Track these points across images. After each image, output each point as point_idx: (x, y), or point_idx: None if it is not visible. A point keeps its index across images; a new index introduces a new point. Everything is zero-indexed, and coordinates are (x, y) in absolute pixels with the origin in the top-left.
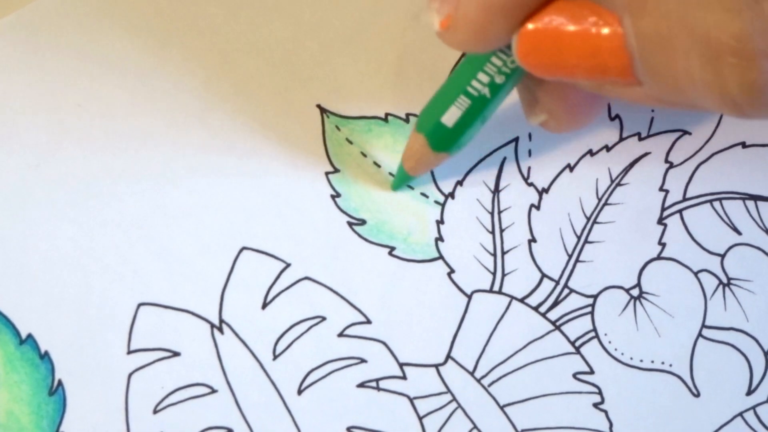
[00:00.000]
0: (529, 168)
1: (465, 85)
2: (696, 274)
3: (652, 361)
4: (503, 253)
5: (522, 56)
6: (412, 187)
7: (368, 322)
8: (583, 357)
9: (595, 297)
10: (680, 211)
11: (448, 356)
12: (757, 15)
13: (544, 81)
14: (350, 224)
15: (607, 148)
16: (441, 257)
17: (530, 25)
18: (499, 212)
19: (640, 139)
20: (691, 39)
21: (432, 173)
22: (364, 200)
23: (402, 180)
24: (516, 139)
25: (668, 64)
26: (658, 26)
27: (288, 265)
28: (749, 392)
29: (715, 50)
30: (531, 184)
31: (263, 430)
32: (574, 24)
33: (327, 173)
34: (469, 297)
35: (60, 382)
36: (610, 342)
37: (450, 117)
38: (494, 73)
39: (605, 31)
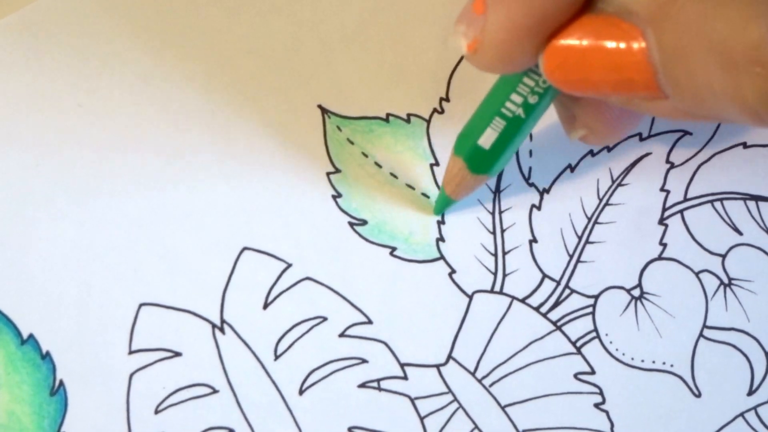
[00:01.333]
0: (530, 168)
1: (499, 107)
2: (697, 274)
3: (653, 362)
4: (504, 253)
5: (549, 74)
6: (412, 188)
7: (369, 322)
8: (584, 357)
9: (596, 297)
10: (681, 212)
11: (449, 356)
12: None
13: (579, 98)
14: (351, 224)
15: (608, 149)
16: (442, 257)
17: (555, 44)
18: (500, 212)
19: (641, 139)
20: (710, 49)
21: (433, 173)
22: (365, 200)
23: (444, 204)
24: None
25: (689, 75)
26: (679, 38)
27: (289, 265)
28: (750, 392)
29: (733, 60)
30: (532, 185)
31: (264, 431)
32: (599, 40)
33: (328, 173)
34: (470, 297)
35: (61, 383)
36: (611, 342)
37: (487, 139)
38: (527, 94)
39: (629, 45)
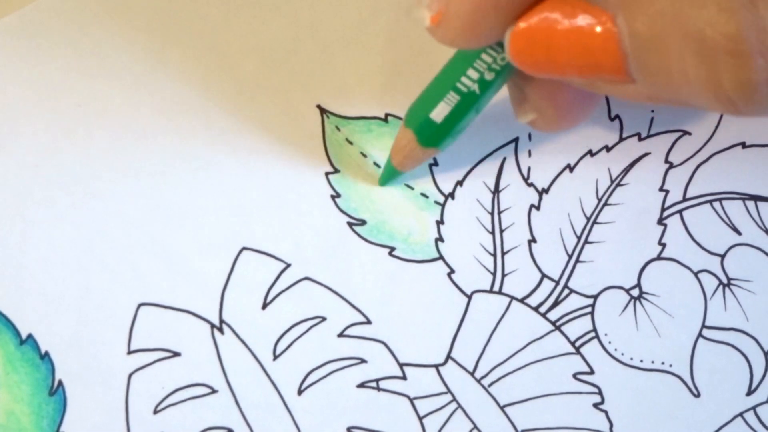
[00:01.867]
0: (529, 168)
1: (454, 81)
2: (696, 274)
3: (653, 362)
4: (503, 253)
5: (514, 54)
6: (412, 188)
7: (368, 322)
8: (583, 357)
9: (595, 297)
10: (680, 212)
11: (448, 356)
12: (752, 14)
13: (533, 79)
14: (350, 224)
15: (607, 149)
16: (441, 257)
17: (522, 23)
18: (499, 212)
19: (640, 139)
20: (686, 38)
21: (432, 173)
22: (364, 200)
23: (390, 175)
24: (516, 140)
25: (662, 62)
26: (653, 25)
27: (288, 265)
28: (749, 392)
29: (710, 49)
30: (531, 185)
31: (263, 431)
32: (567, 21)
33: (327, 173)
34: (469, 297)
35: (60, 383)
36: (610, 342)
37: (439, 113)
38: (484, 70)
39: (598, 29)
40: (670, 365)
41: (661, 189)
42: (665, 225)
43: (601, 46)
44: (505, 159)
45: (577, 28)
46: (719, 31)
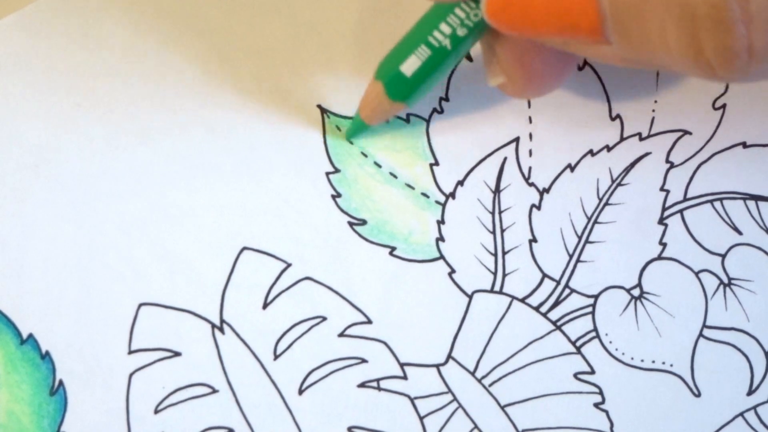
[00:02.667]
0: (529, 168)
1: (427, 36)
2: (697, 274)
3: (653, 361)
4: (504, 253)
5: (490, 13)
6: (412, 187)
7: (369, 322)
8: (583, 357)
9: (596, 297)
10: (681, 211)
11: (449, 356)
12: None
13: (504, 41)
14: (351, 224)
15: (608, 148)
16: (442, 257)
17: None
18: (500, 212)
19: (641, 139)
20: (668, 3)
21: (432, 173)
22: (365, 200)
23: (357, 128)
24: (517, 139)
25: (642, 27)
26: None
27: (289, 265)
28: (750, 392)
29: (692, 15)
30: (532, 184)
31: (264, 430)
32: None
33: (327, 173)
34: (470, 297)
35: (61, 382)
36: (610, 342)
37: (409, 66)
38: (457, 26)
39: None
40: (671, 365)
41: (661, 189)
42: (666, 225)
43: (579, 8)
44: (505, 159)
45: None
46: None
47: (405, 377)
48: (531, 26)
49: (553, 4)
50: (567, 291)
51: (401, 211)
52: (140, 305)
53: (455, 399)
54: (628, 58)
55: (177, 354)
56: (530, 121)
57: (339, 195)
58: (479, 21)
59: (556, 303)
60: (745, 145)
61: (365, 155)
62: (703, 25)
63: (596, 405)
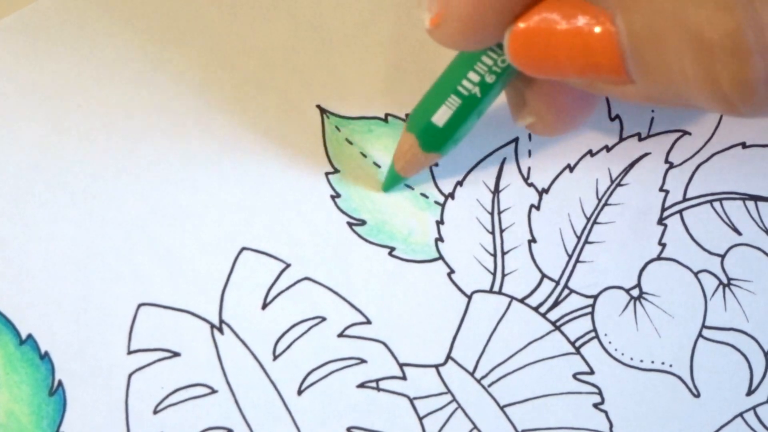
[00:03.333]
0: (529, 168)
1: (455, 85)
2: (696, 274)
3: (652, 362)
4: (503, 253)
5: (513, 55)
6: (412, 188)
7: (368, 322)
8: (583, 357)
9: (595, 297)
10: (680, 212)
11: (448, 356)
12: (750, 12)
13: (532, 83)
14: (350, 225)
15: (607, 149)
16: (441, 257)
17: (521, 24)
18: (499, 212)
19: (640, 139)
20: (684, 36)
21: (432, 173)
22: (364, 201)
23: (393, 181)
24: (516, 140)
25: (660, 61)
26: (651, 23)
27: (288, 265)
28: (749, 392)
29: (707, 47)
30: (531, 185)
31: (263, 431)
32: (566, 22)
33: (327, 174)
34: (469, 297)
35: (60, 383)
36: (610, 342)
37: (440, 117)
38: (485, 72)
39: (597, 29)
40: (670, 365)
41: (661, 189)
42: (665, 225)
43: (600, 46)
44: (505, 159)
45: (575, 27)
46: (717, 29)
47: (404, 377)
48: (554, 67)
49: (575, 44)
50: (566, 291)
51: (400, 212)
52: (139, 305)
53: (454, 399)
54: (652, 95)
55: (176, 354)
56: None
57: (338, 195)
58: (507, 66)
59: (556, 303)
60: (744, 145)
61: (364, 155)
62: (719, 57)
63: (595, 405)
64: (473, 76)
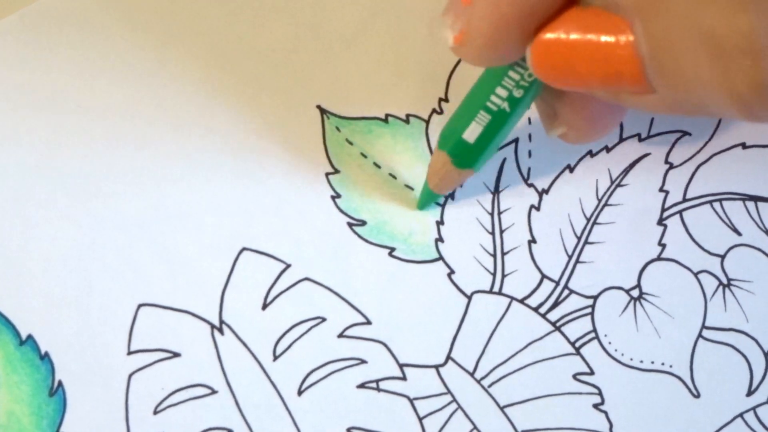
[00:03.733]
0: (529, 169)
1: (484, 101)
2: (696, 274)
3: (652, 362)
4: (503, 253)
5: (537, 68)
6: (411, 188)
7: (368, 322)
8: (583, 358)
9: (595, 298)
10: (680, 212)
11: (448, 357)
12: (764, 11)
13: (562, 94)
14: (350, 225)
15: (607, 149)
16: (441, 258)
17: (543, 36)
18: (499, 213)
19: (640, 140)
20: (698, 39)
21: None
22: (365, 201)
23: (428, 199)
24: (516, 140)
25: (677, 66)
26: (667, 28)
27: (288, 265)
28: (749, 393)
29: (722, 48)
30: (531, 185)
31: (263, 431)
32: (586, 33)
33: (327, 174)
34: (469, 298)
35: (60, 383)
36: (610, 343)
37: (471, 133)
38: (512, 87)
39: (617, 38)
40: (670, 366)
41: (661, 189)
42: (665, 225)
43: (620, 55)
44: (505, 159)
45: (595, 38)
46: (730, 28)
47: (404, 378)
48: (577, 78)
49: (595, 54)
50: (566, 292)
51: (401, 212)
52: (140, 306)
53: (454, 400)
54: (673, 104)
55: (176, 355)
56: (529, 122)
57: (338, 195)
58: (534, 80)
59: (556, 304)
60: (744, 145)
61: (365, 156)
62: (733, 57)
63: (595, 406)
64: (501, 92)
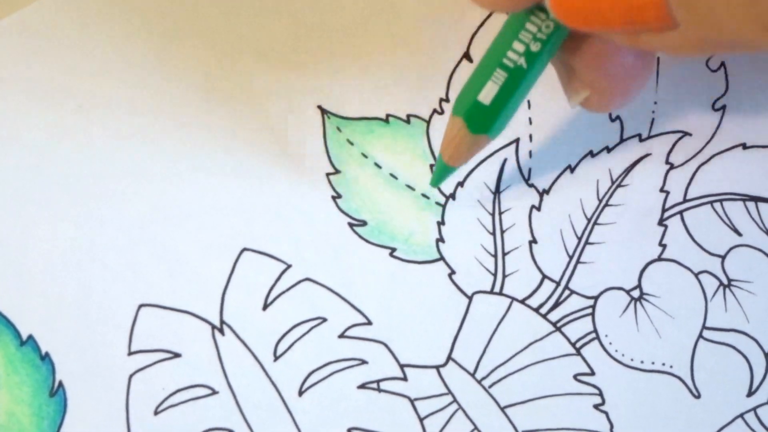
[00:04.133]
0: (529, 169)
1: (501, 58)
2: (696, 275)
3: (653, 363)
4: (504, 254)
5: (556, 7)
6: (412, 188)
7: (369, 323)
8: (583, 358)
9: (596, 298)
10: (681, 213)
11: (449, 357)
12: None
13: (580, 52)
14: (351, 225)
15: (608, 149)
16: (442, 258)
17: None
18: (500, 213)
19: (641, 140)
20: None
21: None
22: (365, 201)
23: (442, 173)
24: (517, 140)
25: None
26: None
27: (289, 266)
28: (750, 393)
29: None
30: (532, 185)
31: None
32: None
33: (328, 174)
34: (470, 298)
35: (61, 384)
36: (610, 343)
37: (487, 94)
38: (529, 41)
39: None
40: (671, 366)
41: (661, 190)
42: (666, 226)
43: None
44: (505, 160)
45: None
46: None
47: (405, 378)
48: (598, 16)
49: None
50: (567, 292)
51: (401, 212)
52: (140, 306)
53: (455, 400)
54: (697, 39)
55: (177, 355)
56: (530, 122)
57: (339, 196)
58: (551, 33)
59: (556, 304)
60: (744, 146)
61: (365, 156)
62: None
63: (596, 406)
64: (518, 46)
